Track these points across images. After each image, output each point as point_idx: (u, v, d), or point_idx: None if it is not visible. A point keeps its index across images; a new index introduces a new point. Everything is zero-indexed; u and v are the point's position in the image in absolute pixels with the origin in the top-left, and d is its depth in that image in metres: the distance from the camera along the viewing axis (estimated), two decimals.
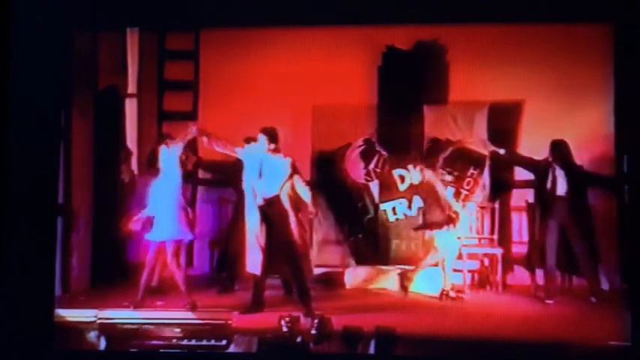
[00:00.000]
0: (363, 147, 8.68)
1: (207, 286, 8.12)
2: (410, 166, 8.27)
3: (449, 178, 8.38)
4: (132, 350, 6.56)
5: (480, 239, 8.45)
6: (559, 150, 7.77)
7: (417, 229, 8.24)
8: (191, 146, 8.00)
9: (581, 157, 7.92)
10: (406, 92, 8.55)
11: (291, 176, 7.32)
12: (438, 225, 7.88)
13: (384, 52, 8.58)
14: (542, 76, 8.11)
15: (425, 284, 8.06)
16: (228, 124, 8.11)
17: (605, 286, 7.97)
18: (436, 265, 7.96)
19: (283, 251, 7.32)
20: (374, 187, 8.69)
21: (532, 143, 8.16)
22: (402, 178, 8.54)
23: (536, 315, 7.29)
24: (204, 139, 7.49)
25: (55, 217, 7.12)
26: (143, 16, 7.31)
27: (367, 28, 7.96)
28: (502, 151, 8.04)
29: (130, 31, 8.79)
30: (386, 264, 8.44)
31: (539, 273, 7.83)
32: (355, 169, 8.69)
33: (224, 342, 6.55)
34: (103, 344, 6.61)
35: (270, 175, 7.33)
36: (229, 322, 6.66)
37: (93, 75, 8.39)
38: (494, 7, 6.81)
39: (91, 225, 8.21)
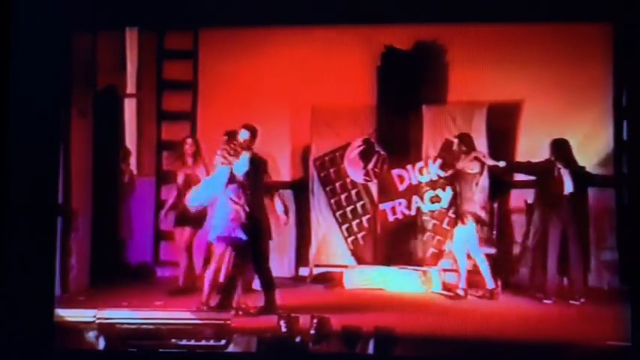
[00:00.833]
0: (362, 147, 8.67)
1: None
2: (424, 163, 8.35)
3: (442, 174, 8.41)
4: (131, 350, 6.56)
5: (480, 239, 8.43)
6: (562, 149, 7.77)
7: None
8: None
9: (580, 156, 7.93)
10: (405, 92, 8.55)
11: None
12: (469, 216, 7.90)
13: (383, 52, 8.58)
14: (541, 75, 8.11)
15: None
16: (227, 123, 8.09)
17: (603, 286, 8.01)
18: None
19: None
20: (373, 187, 8.68)
21: (531, 143, 8.17)
22: (401, 178, 8.54)
23: (536, 315, 7.29)
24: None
25: (55, 217, 7.11)
26: (142, 16, 7.31)
27: (366, 28, 7.97)
28: (502, 164, 8.01)
29: (129, 31, 8.80)
30: (385, 264, 8.44)
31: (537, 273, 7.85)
32: (354, 169, 8.69)
33: (223, 342, 6.55)
34: (102, 344, 6.60)
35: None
36: (228, 322, 6.66)
37: (92, 75, 8.38)
38: (494, 7, 6.81)
39: (90, 225, 8.20)
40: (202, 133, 8.80)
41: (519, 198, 8.28)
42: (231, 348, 6.53)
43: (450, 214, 8.31)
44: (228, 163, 7.24)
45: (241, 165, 7.22)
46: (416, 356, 6.48)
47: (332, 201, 8.70)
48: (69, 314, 6.77)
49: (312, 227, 8.64)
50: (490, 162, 8.00)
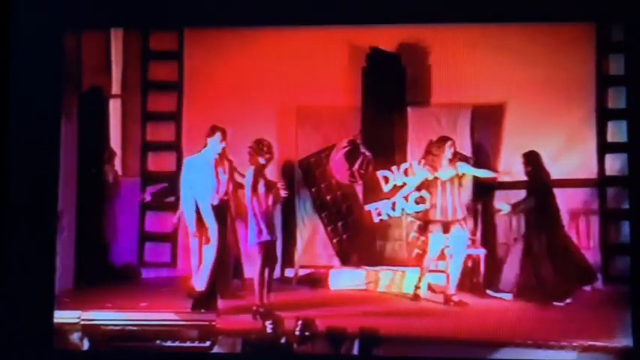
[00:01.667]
0: (347, 148, 8.67)
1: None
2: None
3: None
4: (115, 351, 6.55)
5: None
6: (534, 161, 7.85)
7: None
8: None
9: (564, 157, 7.97)
10: (390, 93, 8.56)
11: None
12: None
13: (368, 53, 8.58)
14: (524, 77, 8.13)
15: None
16: (212, 124, 8.11)
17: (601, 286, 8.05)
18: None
19: None
20: (358, 188, 8.69)
21: (515, 145, 8.20)
22: (387, 179, 8.55)
23: (536, 315, 7.31)
24: None
25: (54, 217, 7.08)
26: (127, 16, 7.29)
27: (351, 29, 7.97)
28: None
29: (113, 32, 8.77)
30: (370, 265, 8.45)
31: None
32: (339, 171, 8.68)
33: (208, 343, 6.54)
34: (86, 345, 6.59)
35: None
36: (213, 323, 6.66)
37: (77, 76, 8.35)
38: (478, 9, 6.84)
39: (74, 226, 8.16)
40: (187, 134, 8.80)
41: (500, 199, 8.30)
42: (216, 349, 6.54)
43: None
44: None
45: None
46: (400, 357, 6.50)
47: (317, 202, 8.71)
48: (53, 315, 6.75)
49: (297, 228, 8.64)
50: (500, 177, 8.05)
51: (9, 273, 6.53)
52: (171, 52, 8.89)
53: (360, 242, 8.63)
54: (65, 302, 7.45)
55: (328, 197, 8.70)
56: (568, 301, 7.62)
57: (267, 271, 7.42)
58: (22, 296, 6.54)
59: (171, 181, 8.31)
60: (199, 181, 7.59)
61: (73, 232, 8.15)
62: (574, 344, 6.37)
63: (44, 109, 6.75)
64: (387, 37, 8.44)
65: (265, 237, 7.36)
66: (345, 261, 8.61)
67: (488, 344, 6.50)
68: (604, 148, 8.02)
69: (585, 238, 8.11)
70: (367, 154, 8.63)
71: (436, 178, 7.99)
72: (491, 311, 7.52)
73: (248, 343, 6.48)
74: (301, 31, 7.94)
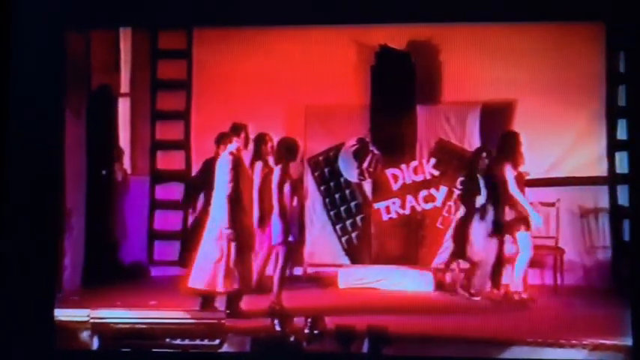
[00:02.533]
0: (356, 146, 8.68)
1: None
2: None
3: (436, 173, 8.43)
4: (125, 350, 6.56)
5: None
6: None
7: (494, 233, 7.82)
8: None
9: (573, 156, 7.95)
10: (399, 92, 8.55)
11: None
12: (517, 225, 7.68)
13: (377, 51, 8.58)
14: (534, 75, 8.12)
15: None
16: (221, 123, 8.10)
17: (596, 284, 8.03)
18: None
19: None
20: (367, 186, 8.69)
21: (524, 143, 8.16)
22: (395, 178, 8.55)
23: (536, 315, 7.29)
24: None
25: (55, 217, 7.10)
26: (136, 15, 7.30)
27: (360, 27, 7.98)
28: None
29: (122, 31, 8.79)
30: (379, 263, 8.45)
31: None
32: (348, 169, 8.69)
33: (217, 341, 6.55)
34: (95, 344, 6.60)
35: None
36: (223, 321, 6.66)
37: (85, 75, 8.37)
38: (487, 7, 6.82)
39: (83, 224, 8.19)
40: (196, 133, 8.81)
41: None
42: (225, 347, 6.54)
43: (445, 213, 8.32)
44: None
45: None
46: (410, 356, 6.49)
47: (326, 200, 8.71)
48: (62, 314, 6.75)
49: (306, 227, 8.64)
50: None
51: (9, 273, 6.53)
52: (180, 51, 8.92)
53: (369, 240, 8.62)
54: (74, 300, 7.47)
55: (337, 195, 8.70)
56: None
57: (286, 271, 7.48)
58: (23, 296, 6.54)
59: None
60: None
61: (83, 231, 8.18)
62: (584, 343, 6.35)
63: (45, 108, 6.74)
64: (397, 35, 8.44)
65: (291, 237, 7.39)
66: (354, 259, 8.61)
67: (498, 342, 6.48)
68: (614, 145, 8.00)
69: (595, 237, 8.10)
70: (376, 152, 8.63)
71: None
72: (499, 309, 7.51)
73: (257, 342, 6.48)
74: (310, 29, 7.94)
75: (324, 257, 8.67)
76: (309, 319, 6.52)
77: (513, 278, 7.68)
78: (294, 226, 7.44)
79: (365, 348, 6.41)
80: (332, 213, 8.71)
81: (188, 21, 7.97)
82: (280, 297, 7.32)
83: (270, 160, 7.65)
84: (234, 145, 7.30)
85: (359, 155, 8.67)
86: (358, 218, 8.66)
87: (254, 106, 8.34)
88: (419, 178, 8.52)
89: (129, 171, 8.81)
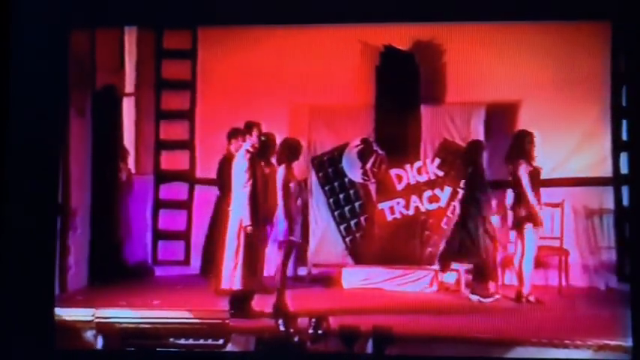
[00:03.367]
0: (360, 147, 8.67)
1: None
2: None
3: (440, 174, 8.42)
4: (129, 349, 6.56)
5: None
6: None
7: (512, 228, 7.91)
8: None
9: (578, 156, 7.94)
10: (404, 92, 8.54)
11: None
12: (525, 220, 7.70)
13: (382, 51, 8.57)
14: (539, 75, 8.10)
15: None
16: (226, 123, 8.12)
17: (601, 285, 8.02)
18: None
19: None
20: (371, 186, 8.68)
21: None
22: (400, 178, 8.54)
23: (541, 315, 7.28)
24: None
25: (55, 216, 7.10)
26: (140, 15, 7.30)
27: (365, 27, 7.96)
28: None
29: (127, 30, 8.79)
30: (383, 264, 8.44)
31: None
32: (352, 169, 8.68)
33: (221, 341, 6.55)
34: (100, 343, 6.60)
35: None
36: (227, 321, 6.66)
37: (90, 74, 8.38)
38: (492, 6, 6.82)
39: (88, 224, 8.19)
40: (200, 132, 8.81)
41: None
42: (229, 347, 6.54)
43: (449, 213, 8.31)
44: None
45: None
46: (414, 356, 6.49)
47: (330, 200, 8.70)
48: (67, 313, 6.77)
49: (310, 227, 8.64)
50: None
51: (9, 272, 6.54)
52: (184, 51, 8.92)
53: (373, 241, 8.61)
54: (79, 300, 7.49)
55: (341, 195, 8.69)
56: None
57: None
58: (23, 296, 6.55)
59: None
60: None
61: (87, 231, 8.19)
62: (589, 343, 6.34)
63: (48, 107, 6.75)
64: (401, 36, 8.42)
65: (296, 237, 7.41)
66: (358, 259, 8.60)
67: (502, 343, 6.48)
68: (619, 146, 7.98)
69: (600, 237, 8.08)
70: (380, 152, 8.62)
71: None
72: (504, 310, 7.50)
73: (261, 342, 6.48)
74: (314, 29, 7.93)
75: (329, 257, 8.66)
76: (313, 319, 6.53)
77: (523, 280, 7.68)
78: (298, 226, 7.44)
79: (369, 348, 6.41)
80: (336, 213, 8.70)
81: (193, 20, 7.98)
82: (283, 296, 7.32)
83: (273, 160, 7.65)
84: (248, 143, 7.36)
85: (363, 155, 8.66)
86: (362, 218, 8.65)
87: (258, 105, 8.34)
88: (423, 178, 8.51)
89: (133, 170, 8.81)
